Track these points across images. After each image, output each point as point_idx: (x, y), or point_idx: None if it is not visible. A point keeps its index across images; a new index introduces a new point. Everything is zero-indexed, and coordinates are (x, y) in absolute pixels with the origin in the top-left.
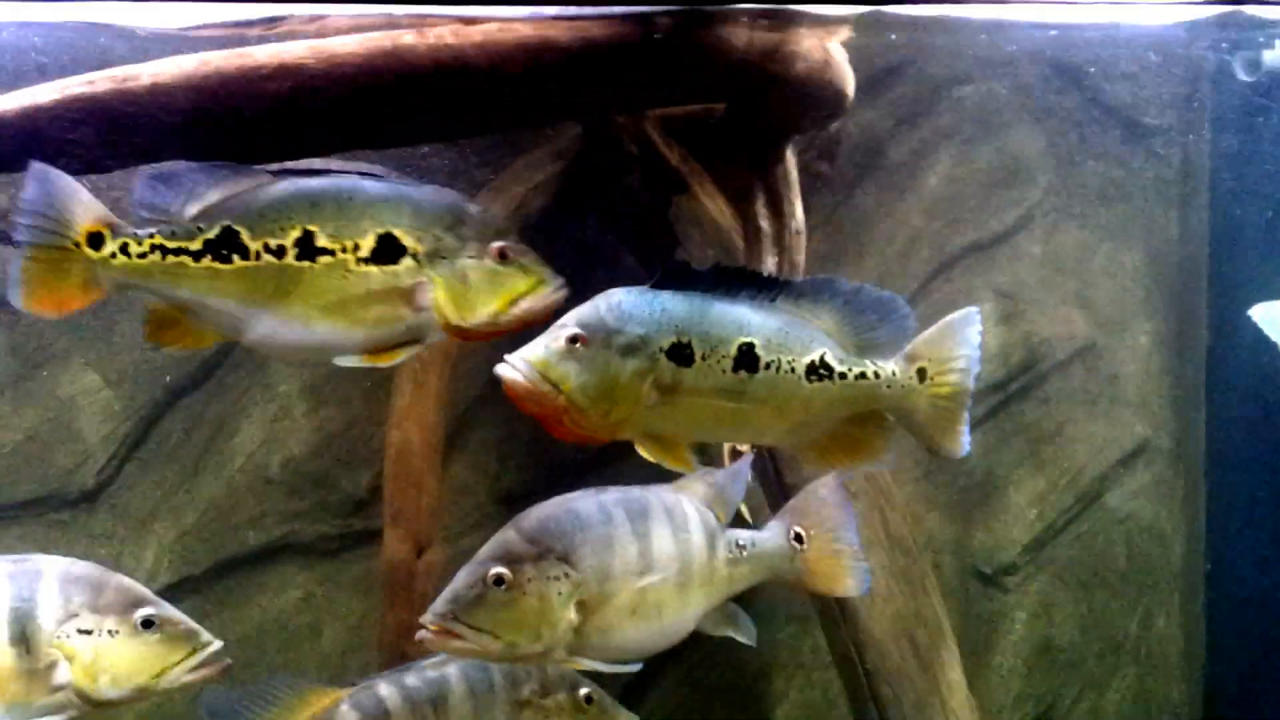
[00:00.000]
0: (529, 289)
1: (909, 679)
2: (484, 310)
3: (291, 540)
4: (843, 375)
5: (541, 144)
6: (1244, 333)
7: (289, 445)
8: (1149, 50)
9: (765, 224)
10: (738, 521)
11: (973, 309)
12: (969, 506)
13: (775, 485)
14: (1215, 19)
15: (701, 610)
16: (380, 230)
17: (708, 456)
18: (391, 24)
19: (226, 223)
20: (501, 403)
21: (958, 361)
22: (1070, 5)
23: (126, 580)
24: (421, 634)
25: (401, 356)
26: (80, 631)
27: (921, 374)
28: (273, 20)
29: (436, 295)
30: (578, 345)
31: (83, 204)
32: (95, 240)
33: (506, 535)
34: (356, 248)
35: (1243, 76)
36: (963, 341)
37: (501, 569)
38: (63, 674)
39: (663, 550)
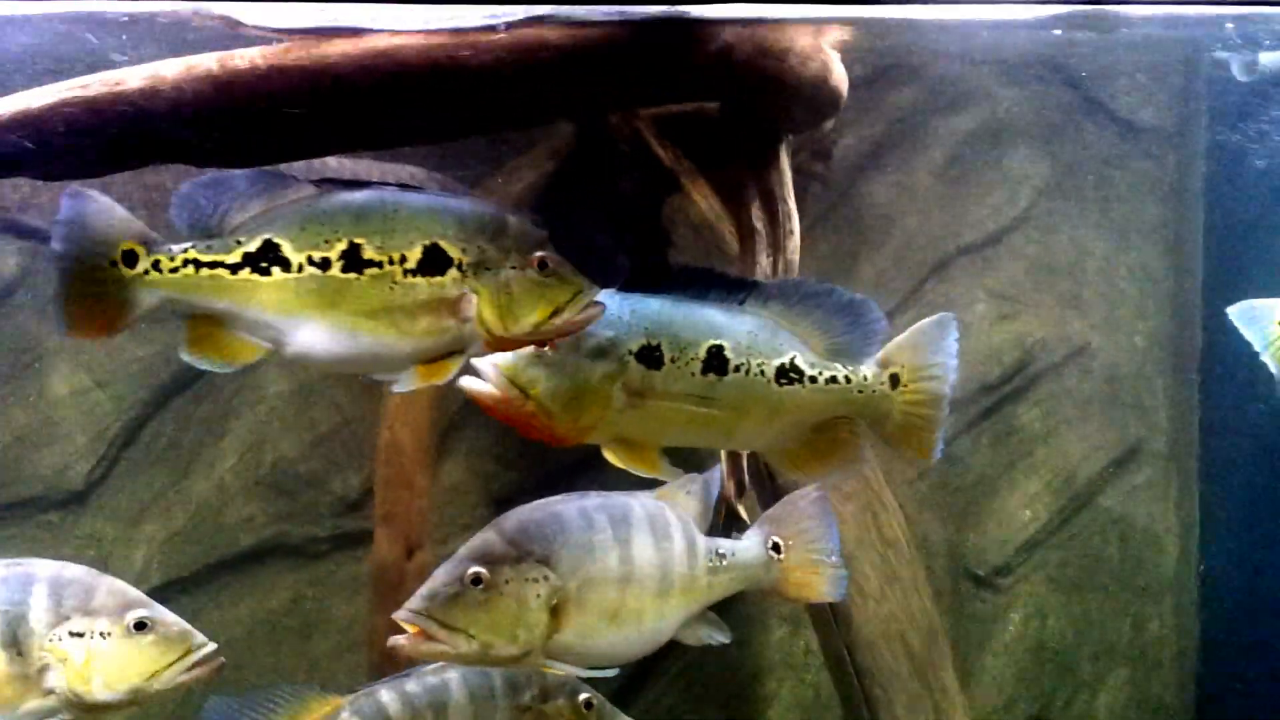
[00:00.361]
0: (569, 299)
1: (901, 680)
2: (527, 320)
3: (281, 541)
4: (813, 379)
5: (534, 143)
6: (1238, 335)
7: (279, 446)
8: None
9: (760, 224)
10: (738, 523)
11: (949, 315)
12: (962, 508)
13: (767, 487)
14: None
15: (680, 618)
16: (427, 242)
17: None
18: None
19: (267, 235)
20: None
21: (934, 369)
22: (1070, 5)
23: (118, 582)
24: (396, 639)
25: (453, 369)
26: (72, 634)
27: (895, 380)
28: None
29: (480, 306)
30: (546, 349)
31: (117, 222)
32: (130, 258)
33: (487, 536)
34: (403, 259)
35: (1240, 78)
36: (940, 349)
37: (479, 568)
38: (55, 677)
39: (643, 557)
